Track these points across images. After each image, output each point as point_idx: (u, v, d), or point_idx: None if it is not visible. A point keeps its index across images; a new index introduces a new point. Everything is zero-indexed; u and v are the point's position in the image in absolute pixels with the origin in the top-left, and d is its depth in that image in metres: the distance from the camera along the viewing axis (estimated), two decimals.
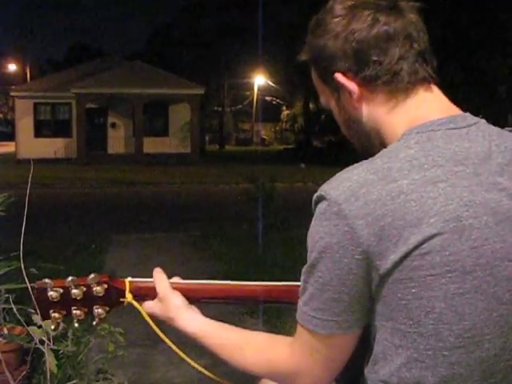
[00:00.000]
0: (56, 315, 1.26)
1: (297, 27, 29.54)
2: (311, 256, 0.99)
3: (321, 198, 0.98)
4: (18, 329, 2.80)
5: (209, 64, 39.54)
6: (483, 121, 1.05)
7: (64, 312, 1.27)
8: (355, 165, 1.00)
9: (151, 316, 1.26)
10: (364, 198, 0.94)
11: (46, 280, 1.25)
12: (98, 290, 1.25)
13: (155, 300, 1.25)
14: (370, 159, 1.00)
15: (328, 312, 0.98)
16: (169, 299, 1.23)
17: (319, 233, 0.97)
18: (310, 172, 20.47)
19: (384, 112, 1.06)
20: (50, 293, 1.24)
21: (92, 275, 1.26)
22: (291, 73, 33.49)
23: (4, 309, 2.79)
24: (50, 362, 1.89)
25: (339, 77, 1.06)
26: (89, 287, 1.25)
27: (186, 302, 1.24)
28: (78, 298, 1.25)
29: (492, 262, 0.95)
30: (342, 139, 1.18)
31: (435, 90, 1.08)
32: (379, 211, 0.93)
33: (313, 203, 1.00)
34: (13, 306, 2.52)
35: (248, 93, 47.13)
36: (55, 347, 2.16)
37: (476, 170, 0.97)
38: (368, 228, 0.93)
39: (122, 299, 1.27)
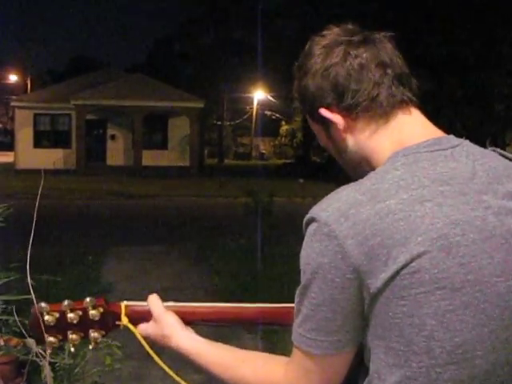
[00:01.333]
0: (51, 339, 1.26)
1: (297, 42, 29.73)
2: (304, 277, 1.01)
3: (311, 220, 1.01)
4: (15, 340, 2.79)
5: (209, 78, 39.69)
6: (467, 141, 1.08)
7: (60, 336, 1.26)
8: (344, 186, 1.03)
9: (146, 338, 1.25)
10: (353, 218, 0.96)
11: (42, 304, 1.24)
12: (93, 313, 1.24)
13: (150, 322, 1.25)
14: (358, 181, 1.03)
15: (322, 332, 1.00)
16: (163, 319, 1.24)
17: (311, 254, 0.99)
18: (309, 187, 20.50)
19: (367, 138, 1.10)
20: (46, 317, 1.23)
21: (88, 299, 1.25)
22: (291, 88, 33.61)
23: (0, 320, 2.78)
24: (48, 375, 1.89)
25: (323, 111, 1.12)
26: (85, 311, 1.25)
27: (180, 322, 1.24)
28: (74, 321, 1.24)
29: (480, 278, 0.96)
30: None
31: (415, 112, 1.11)
32: (368, 231, 0.95)
33: (303, 225, 1.03)
34: (12, 317, 2.51)
35: (247, 107, 47.29)
36: (52, 359, 2.16)
37: (462, 189, 1.00)
38: (358, 248, 0.95)
39: (117, 322, 1.27)
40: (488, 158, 1.07)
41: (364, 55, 1.09)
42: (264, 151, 52.37)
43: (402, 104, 1.09)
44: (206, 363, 1.17)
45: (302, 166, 31.85)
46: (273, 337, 4.38)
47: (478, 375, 0.97)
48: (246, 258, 7.58)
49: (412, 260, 0.94)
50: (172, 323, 1.23)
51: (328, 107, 1.11)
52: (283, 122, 50.32)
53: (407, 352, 0.96)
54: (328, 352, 1.00)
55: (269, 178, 24.04)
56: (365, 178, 1.03)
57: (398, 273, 0.94)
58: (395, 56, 1.11)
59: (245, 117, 48.50)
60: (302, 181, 24.94)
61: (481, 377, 0.97)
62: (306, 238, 1.01)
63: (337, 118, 1.11)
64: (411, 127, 1.09)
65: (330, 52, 1.10)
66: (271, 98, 43.09)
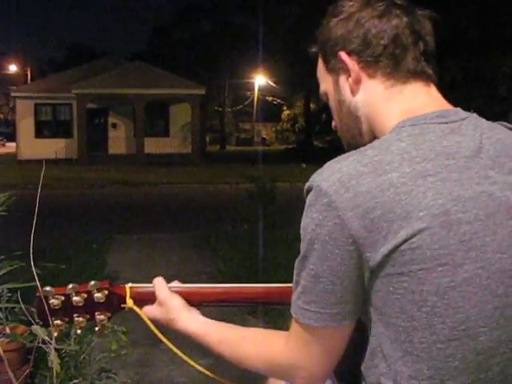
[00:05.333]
0: (58, 322, 1.28)
1: (297, 27, 29.53)
2: (303, 248, 1.01)
3: (311, 189, 1.00)
4: (21, 328, 2.81)
5: (209, 64, 39.56)
6: (475, 115, 1.07)
7: (66, 319, 1.28)
8: (345, 155, 1.02)
9: (152, 320, 1.27)
10: (354, 189, 0.95)
11: (48, 288, 1.26)
12: (98, 296, 1.26)
13: (155, 304, 1.27)
14: (361, 149, 1.01)
15: (321, 304, 0.99)
16: (168, 301, 1.25)
17: (310, 224, 0.99)
18: (311, 172, 20.20)
19: (380, 98, 1.09)
20: (52, 301, 1.25)
21: (92, 282, 1.27)
22: (292, 73, 33.49)
23: (6, 308, 2.80)
24: (54, 361, 1.90)
25: (342, 55, 1.10)
26: (89, 294, 1.26)
27: (185, 304, 1.26)
28: (80, 304, 1.26)
29: (482, 255, 0.95)
30: None
31: (433, 87, 1.11)
32: (369, 203, 0.94)
33: (304, 193, 1.02)
34: (18, 305, 2.52)
35: (249, 93, 47.15)
36: (58, 346, 2.17)
37: (467, 164, 0.98)
38: (358, 220, 0.94)
39: (122, 305, 1.28)
40: (496, 131, 1.05)
41: (404, 19, 1.08)
42: (266, 137, 52.31)
43: (423, 75, 1.09)
44: (211, 343, 1.18)
45: (304, 150, 31.81)
46: (278, 320, 4.39)
47: (482, 352, 0.97)
48: (249, 244, 7.59)
49: (413, 235, 0.93)
50: (177, 306, 1.24)
51: (348, 54, 1.10)
52: (284, 108, 50.22)
53: (408, 328, 0.96)
54: (328, 324, 1.00)
55: (271, 163, 24.00)
56: (367, 146, 1.02)
57: (397, 247, 0.93)
58: (430, 35, 1.11)
59: (246, 103, 48.40)
60: (304, 166, 24.88)
61: (484, 353, 0.97)
62: (306, 207, 1.01)
63: (353, 66, 1.09)
64: (424, 98, 1.08)
65: (372, 2, 1.09)
66: (272, 84, 42.92)
